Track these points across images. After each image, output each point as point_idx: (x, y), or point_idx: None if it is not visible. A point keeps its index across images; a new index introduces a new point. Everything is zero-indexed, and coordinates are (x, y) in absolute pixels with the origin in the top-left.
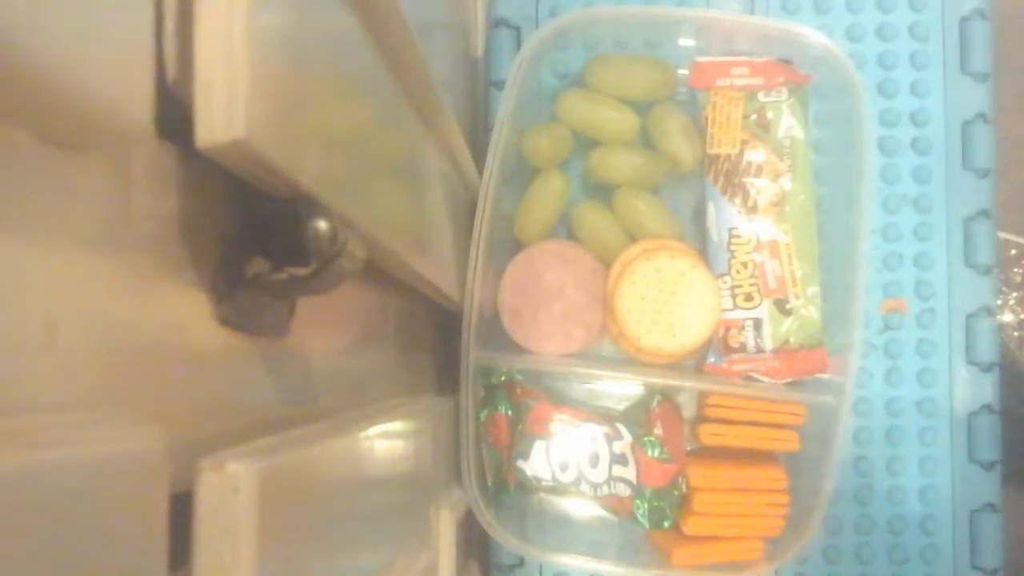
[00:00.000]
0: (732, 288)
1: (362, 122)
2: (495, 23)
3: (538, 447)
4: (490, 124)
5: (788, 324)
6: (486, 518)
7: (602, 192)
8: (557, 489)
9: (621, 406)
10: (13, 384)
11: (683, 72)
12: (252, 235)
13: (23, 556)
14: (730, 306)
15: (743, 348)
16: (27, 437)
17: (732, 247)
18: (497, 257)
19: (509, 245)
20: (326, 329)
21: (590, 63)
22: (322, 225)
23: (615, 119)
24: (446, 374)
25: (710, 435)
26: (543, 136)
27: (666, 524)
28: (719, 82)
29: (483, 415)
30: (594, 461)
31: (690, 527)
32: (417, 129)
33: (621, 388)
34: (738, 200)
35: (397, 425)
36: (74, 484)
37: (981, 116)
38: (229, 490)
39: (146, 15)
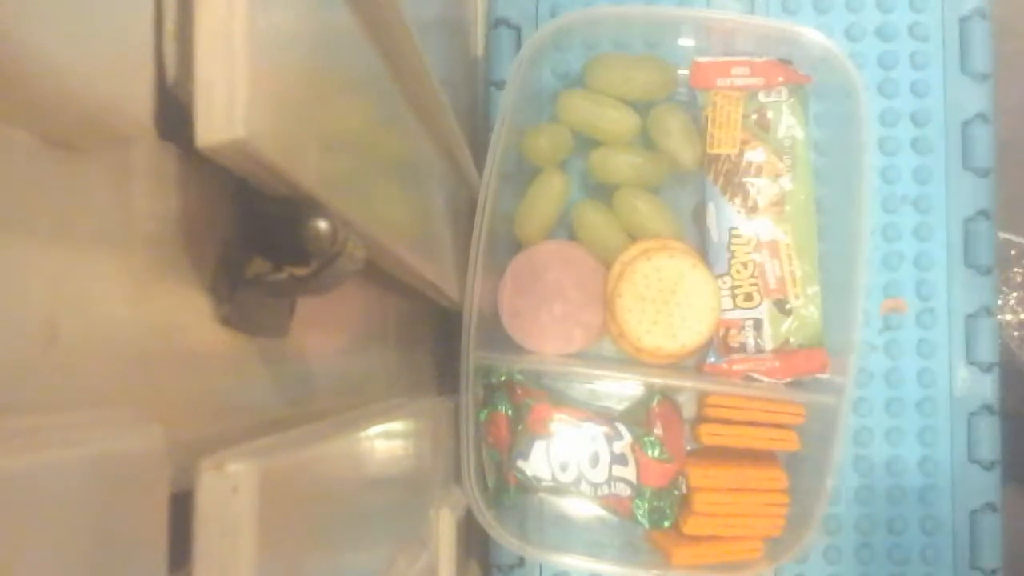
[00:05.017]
0: (732, 288)
1: (362, 122)
2: (495, 23)
3: (538, 447)
4: (490, 124)
5: (788, 324)
6: (486, 518)
7: (602, 192)
8: (557, 489)
9: (621, 406)
10: (13, 384)
11: (683, 72)
12: (252, 235)
13: (23, 556)
14: (730, 306)
15: (743, 348)
16: (27, 437)
17: (732, 247)
18: (497, 257)
19: (509, 245)
20: (326, 329)
21: (590, 63)
22: (322, 225)
23: (615, 119)
24: (446, 374)
25: (710, 435)
26: (543, 136)
27: (666, 524)
28: (719, 82)
29: (483, 415)
30: (594, 461)
31: (690, 527)
32: (417, 129)
33: (621, 388)
34: (738, 200)
35: (397, 425)
36: (74, 484)
37: (981, 116)
38: (229, 490)
39: (146, 15)
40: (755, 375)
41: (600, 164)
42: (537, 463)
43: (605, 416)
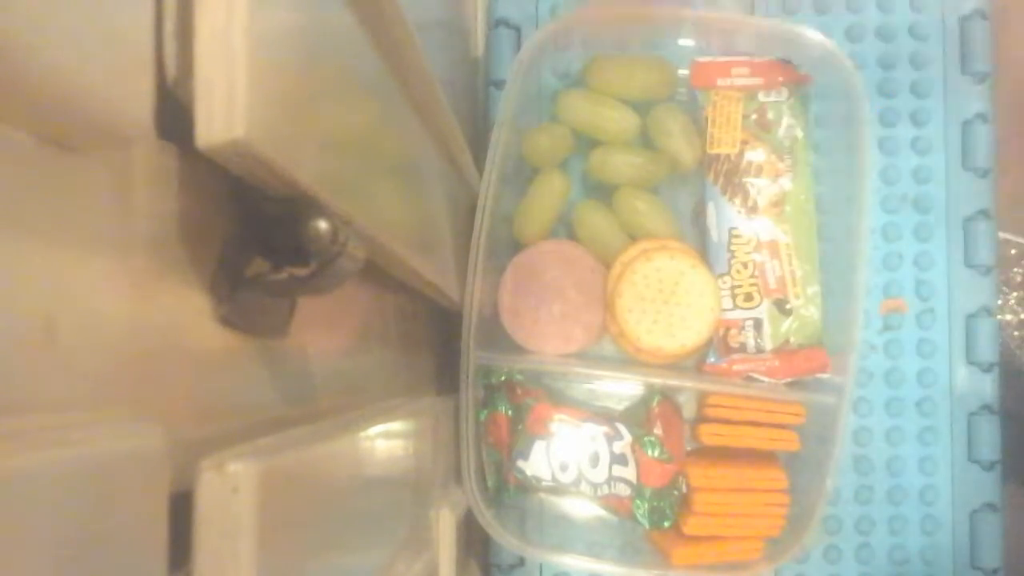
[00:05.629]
0: (732, 288)
1: (362, 122)
2: (495, 23)
3: (538, 447)
4: (490, 124)
5: (788, 324)
6: (486, 518)
7: (602, 192)
8: (557, 489)
9: (621, 406)
10: (13, 384)
11: (683, 72)
12: (252, 235)
13: (23, 556)
14: (730, 306)
15: (743, 348)
16: (27, 437)
17: (732, 247)
18: (497, 257)
19: (509, 245)
20: (326, 329)
21: (590, 63)
22: (322, 225)
23: (615, 119)
24: (446, 374)
25: (710, 435)
26: (543, 136)
27: (666, 524)
28: (719, 82)
29: (483, 415)
30: (594, 461)
31: (690, 527)
32: (417, 129)
33: (621, 388)
34: (738, 200)
35: (397, 425)
36: (74, 484)
37: (981, 116)
38: (229, 490)
39: (146, 15)
40: (755, 375)
41: (600, 164)
42: (537, 463)
43: (605, 416)
